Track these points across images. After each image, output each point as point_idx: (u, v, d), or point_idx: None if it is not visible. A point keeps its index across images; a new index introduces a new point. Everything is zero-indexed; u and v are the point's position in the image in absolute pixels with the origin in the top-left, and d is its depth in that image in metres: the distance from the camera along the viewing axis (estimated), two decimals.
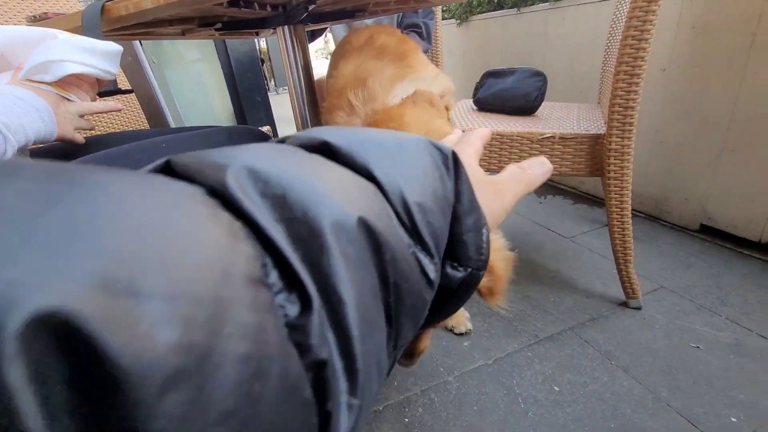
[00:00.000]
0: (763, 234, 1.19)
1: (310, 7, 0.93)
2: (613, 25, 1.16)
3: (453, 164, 0.21)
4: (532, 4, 1.83)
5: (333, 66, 0.83)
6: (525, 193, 0.29)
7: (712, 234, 1.34)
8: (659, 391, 0.82)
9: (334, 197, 0.14)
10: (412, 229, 0.17)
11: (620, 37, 0.88)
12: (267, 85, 3.08)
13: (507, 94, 1.24)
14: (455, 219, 0.20)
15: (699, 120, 1.28)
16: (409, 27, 1.59)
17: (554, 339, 0.98)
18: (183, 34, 1.18)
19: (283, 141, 0.19)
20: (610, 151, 0.95)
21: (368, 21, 1.64)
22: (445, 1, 1.17)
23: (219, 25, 1.07)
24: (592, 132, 0.99)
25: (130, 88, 1.18)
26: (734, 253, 1.24)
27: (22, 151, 0.46)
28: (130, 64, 2.24)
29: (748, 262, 1.19)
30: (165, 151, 0.60)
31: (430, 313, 0.20)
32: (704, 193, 1.31)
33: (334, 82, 0.75)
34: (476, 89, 1.37)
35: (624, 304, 1.07)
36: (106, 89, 0.71)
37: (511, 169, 0.29)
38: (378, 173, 0.17)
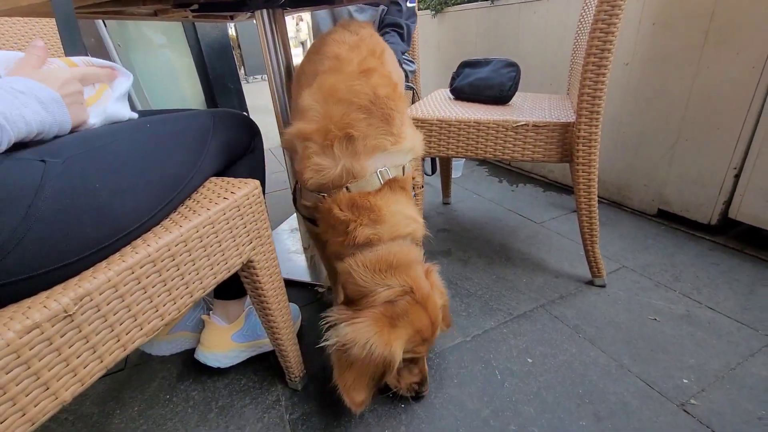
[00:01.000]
0: (712, 217, 1.30)
1: None
2: (582, 20, 1.22)
3: None
4: None
5: (312, 72, 0.78)
6: None
7: (668, 218, 1.44)
8: (621, 359, 0.89)
9: None
10: None
11: (588, 30, 0.93)
12: (236, 62, 2.98)
13: (482, 84, 1.28)
14: None
15: (657, 111, 1.37)
16: (391, 26, 1.59)
17: (527, 316, 1.04)
18: (155, 14, 1.15)
19: None
20: (579, 138, 1.00)
21: (352, 8, 1.63)
22: None
23: (195, 6, 1.05)
24: (562, 120, 1.05)
25: None
26: (687, 234, 1.35)
27: (23, 142, 0.45)
28: (94, 46, 2.13)
29: (699, 243, 1.29)
30: (148, 132, 0.59)
31: None
32: (662, 179, 1.41)
33: (316, 104, 0.71)
34: (453, 78, 1.40)
35: (590, 283, 1.15)
36: None
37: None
38: None
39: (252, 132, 0.83)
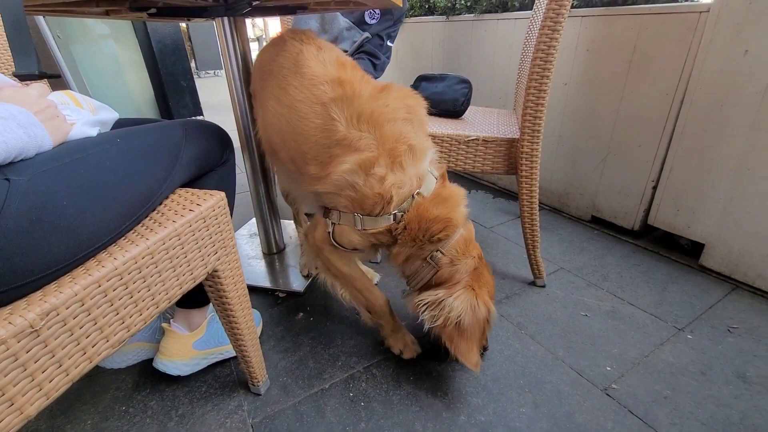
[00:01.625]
0: (635, 223, 1.47)
1: (255, 3, 0.95)
2: (526, 42, 1.34)
3: None
4: (459, 14, 1.99)
5: (293, 90, 0.85)
6: None
7: (599, 223, 1.61)
8: (557, 351, 1.00)
9: None
10: None
11: (531, 56, 1.04)
12: (188, 56, 2.84)
13: (437, 98, 1.36)
14: None
15: (590, 129, 1.53)
16: (368, 54, 1.67)
17: None
18: (107, 14, 1.11)
19: None
20: (522, 154, 1.11)
21: (343, 26, 1.67)
22: (382, 4, 1.25)
23: (153, 11, 1.03)
24: (509, 136, 1.15)
25: (58, 73, 1.08)
26: (615, 238, 1.52)
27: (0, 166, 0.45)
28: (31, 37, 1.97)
29: (624, 246, 1.46)
30: (119, 147, 0.60)
31: None
32: (594, 189, 1.58)
33: (366, 133, 0.77)
34: None
35: (532, 284, 1.26)
36: (29, 73, 0.67)
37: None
38: None
39: (224, 144, 0.84)
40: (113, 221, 0.56)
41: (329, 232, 0.86)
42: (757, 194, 1.13)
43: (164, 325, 0.90)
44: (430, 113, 1.40)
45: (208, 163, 0.80)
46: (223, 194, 0.71)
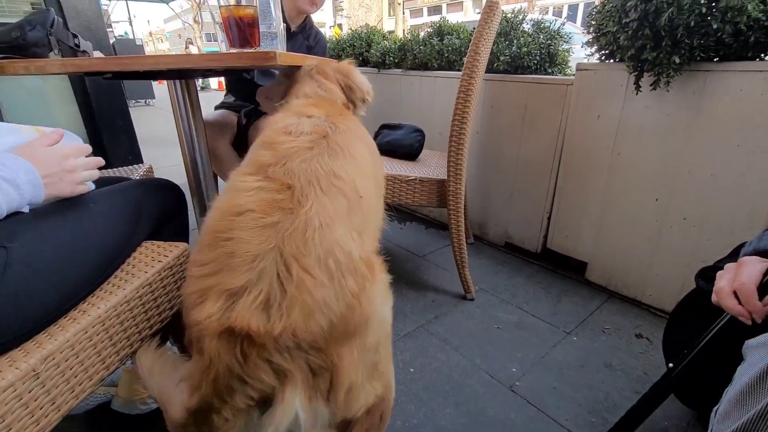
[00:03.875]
0: (538, 247, 1.78)
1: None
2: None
3: None
4: (389, 68, 2.27)
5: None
6: None
7: (511, 248, 1.91)
8: (475, 359, 1.21)
9: None
10: None
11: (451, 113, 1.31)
12: (125, 92, 2.76)
13: (397, 144, 1.67)
14: None
15: (499, 170, 1.84)
16: None
17: (410, 335, 1.32)
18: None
19: None
20: (449, 192, 1.36)
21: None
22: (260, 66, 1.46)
23: (109, 75, 1.13)
24: (439, 177, 1.41)
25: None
26: (523, 261, 1.81)
27: None
28: None
29: (530, 267, 1.76)
30: (92, 210, 0.70)
31: None
32: (505, 220, 1.88)
33: None
34: (375, 136, 1.77)
35: (463, 298, 1.49)
36: None
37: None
38: None
39: (178, 197, 0.95)
40: (91, 275, 0.66)
41: None
42: (615, 222, 1.46)
43: (123, 367, 0.96)
44: (391, 156, 1.64)
45: (166, 215, 0.91)
46: (186, 245, 0.83)
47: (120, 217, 0.75)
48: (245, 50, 0.88)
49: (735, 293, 0.60)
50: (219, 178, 1.74)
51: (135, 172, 1.36)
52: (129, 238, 0.76)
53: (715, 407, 0.54)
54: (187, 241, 0.96)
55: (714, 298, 0.64)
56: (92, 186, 0.71)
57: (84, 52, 1.05)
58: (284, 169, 0.56)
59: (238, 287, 0.45)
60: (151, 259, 0.77)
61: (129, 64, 0.80)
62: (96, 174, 0.70)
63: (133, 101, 8.71)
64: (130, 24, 16.58)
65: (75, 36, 1.03)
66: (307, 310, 0.45)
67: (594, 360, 1.21)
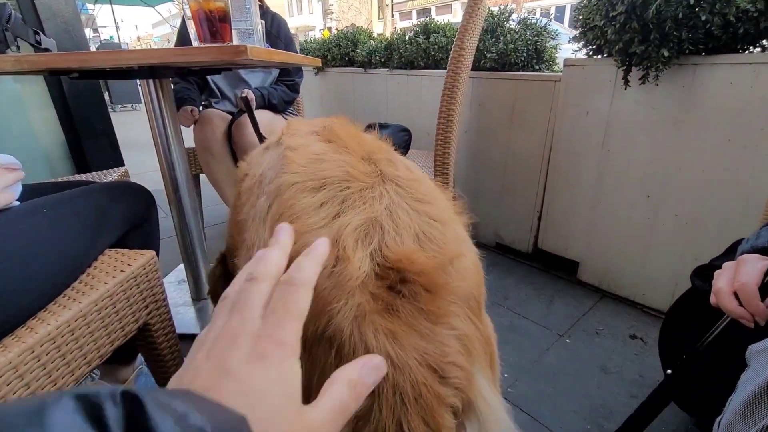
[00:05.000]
0: (529, 247, 1.75)
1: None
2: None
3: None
4: (375, 68, 2.23)
5: None
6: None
7: (502, 249, 1.87)
8: None
9: None
10: None
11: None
12: (104, 97, 2.67)
13: None
14: None
15: (488, 170, 1.80)
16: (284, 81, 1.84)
17: None
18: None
19: None
20: None
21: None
22: (302, 62, 1.41)
23: (75, 75, 1.07)
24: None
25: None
26: (515, 261, 1.77)
27: None
28: None
29: (521, 267, 1.72)
30: (46, 217, 0.65)
31: None
32: (495, 220, 1.84)
33: None
34: None
35: None
36: None
37: (339, 392, 0.25)
38: None
39: (147, 202, 0.89)
40: (42, 287, 0.60)
41: None
42: (606, 221, 1.43)
43: (89, 383, 0.90)
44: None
45: (134, 221, 0.85)
46: (153, 253, 0.78)
47: (79, 224, 0.69)
48: (214, 45, 0.84)
49: (735, 294, 0.56)
50: (209, 179, 1.69)
51: (108, 177, 1.30)
52: (88, 247, 0.70)
53: (719, 417, 0.50)
54: (156, 249, 0.90)
55: (713, 299, 0.60)
56: (15, 193, 0.65)
57: (46, 50, 0.99)
58: None
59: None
60: (113, 268, 0.71)
61: (88, 60, 0.75)
62: (10, 179, 0.64)
63: (120, 106, 8.58)
64: (116, 28, 16.40)
65: (36, 33, 0.97)
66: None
67: (588, 363, 1.17)
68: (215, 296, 0.84)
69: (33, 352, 0.55)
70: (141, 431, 0.16)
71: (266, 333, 0.25)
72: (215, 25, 0.88)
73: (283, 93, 1.77)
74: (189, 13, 0.91)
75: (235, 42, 1.04)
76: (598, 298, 1.48)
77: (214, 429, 0.17)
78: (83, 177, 1.28)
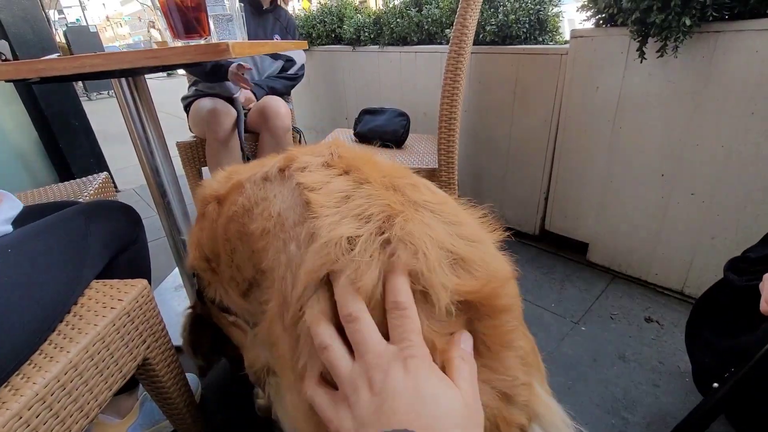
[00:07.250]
0: (535, 229, 1.70)
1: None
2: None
3: None
4: (365, 45, 2.09)
5: None
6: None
7: (507, 231, 1.82)
8: None
9: None
10: None
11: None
12: (75, 89, 2.50)
13: (380, 130, 1.53)
14: None
15: (490, 150, 1.72)
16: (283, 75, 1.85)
17: None
18: None
19: None
20: (441, 181, 1.25)
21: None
22: (288, 48, 1.30)
23: (36, 79, 0.96)
24: (430, 167, 1.30)
25: None
26: (522, 243, 1.73)
27: None
28: None
29: (529, 250, 1.68)
30: (14, 259, 0.57)
31: None
32: (501, 201, 1.78)
33: None
34: (355, 124, 1.63)
35: None
36: None
37: (460, 367, 0.30)
38: None
39: (133, 221, 0.81)
40: (21, 340, 0.53)
41: None
42: (618, 200, 1.38)
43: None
44: (375, 144, 1.50)
45: (119, 245, 0.77)
46: (145, 282, 0.71)
47: (55, 259, 0.61)
48: (191, 42, 0.73)
49: None
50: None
51: (89, 185, 1.20)
52: (71, 283, 0.63)
53: None
54: (147, 273, 0.83)
55: (763, 306, 0.56)
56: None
57: None
58: None
59: None
60: (102, 305, 0.64)
61: (45, 69, 0.65)
62: None
63: (96, 93, 8.23)
64: (82, 10, 15.46)
65: None
66: None
67: (606, 352, 1.14)
68: (195, 347, 0.76)
69: (21, 417, 0.49)
70: None
71: (408, 354, 0.29)
72: (188, 15, 0.77)
73: (286, 83, 1.80)
74: (157, 3, 0.80)
75: (213, 31, 0.93)
76: (610, 280, 1.45)
77: None
78: (64, 186, 1.17)
